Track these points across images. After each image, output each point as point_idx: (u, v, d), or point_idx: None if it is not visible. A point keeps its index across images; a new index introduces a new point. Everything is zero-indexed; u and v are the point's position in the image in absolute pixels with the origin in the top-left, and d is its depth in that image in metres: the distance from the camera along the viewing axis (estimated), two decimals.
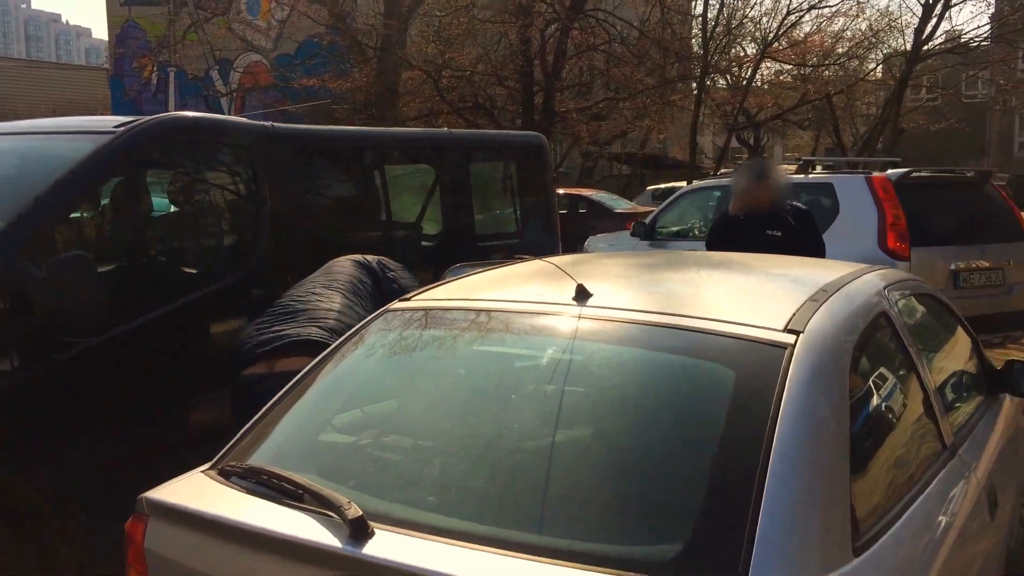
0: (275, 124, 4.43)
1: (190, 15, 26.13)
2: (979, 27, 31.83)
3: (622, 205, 17.30)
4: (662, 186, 20.07)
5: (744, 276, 2.80)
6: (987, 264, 6.79)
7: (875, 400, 2.27)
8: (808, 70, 21.20)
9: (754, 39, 16.56)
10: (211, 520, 1.89)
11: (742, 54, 18.75)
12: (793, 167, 8.27)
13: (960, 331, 3.36)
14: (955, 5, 13.61)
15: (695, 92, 13.94)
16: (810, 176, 7.59)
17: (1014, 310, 6.91)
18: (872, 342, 2.33)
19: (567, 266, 2.67)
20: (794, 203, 5.41)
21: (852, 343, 2.11)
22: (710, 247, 5.66)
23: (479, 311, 2.41)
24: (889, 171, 7.20)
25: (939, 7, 10.60)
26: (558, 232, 6.01)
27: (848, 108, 20.51)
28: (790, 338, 1.98)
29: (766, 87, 31.03)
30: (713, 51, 15.27)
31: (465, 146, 5.43)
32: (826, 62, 19.64)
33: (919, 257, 6.57)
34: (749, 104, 25.76)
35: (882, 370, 2.41)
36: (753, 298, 2.41)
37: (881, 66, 19.61)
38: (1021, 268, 7.00)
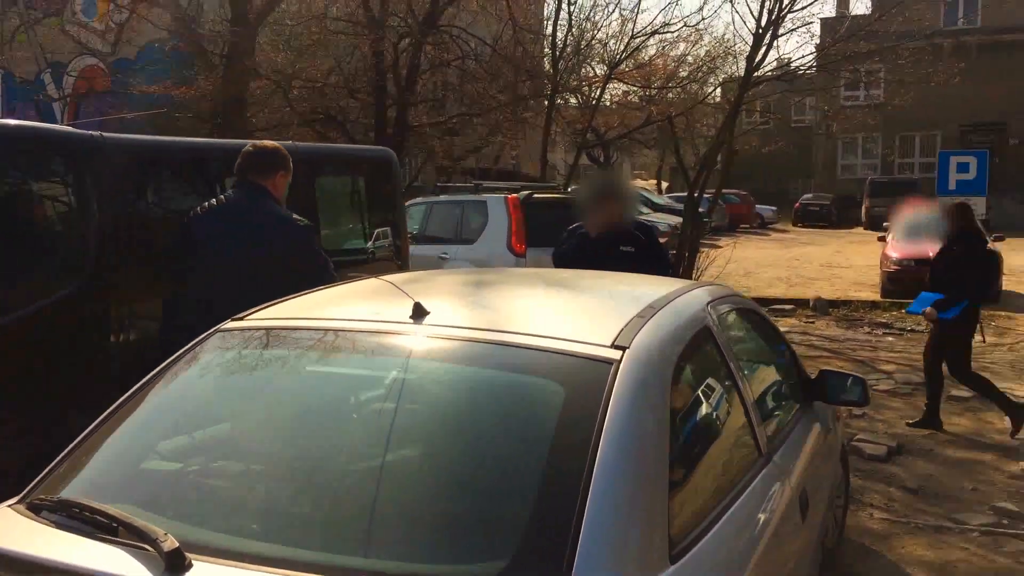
0: (104, 134, 4.20)
1: (19, 15, 24.44)
2: (804, 56, 34.31)
3: None
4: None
5: (578, 293, 2.89)
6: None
7: (696, 411, 2.40)
8: (653, 92, 22.18)
9: (602, 60, 17.12)
10: (16, 558, 1.77)
11: (591, 74, 19.34)
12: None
13: (778, 343, 3.59)
14: (782, 35, 14.61)
15: (546, 110, 14.25)
16: (475, 195, 9.89)
17: None
18: (695, 356, 2.45)
19: (407, 283, 2.68)
20: (637, 219, 5.63)
21: (675, 357, 2.22)
22: (557, 263, 5.77)
23: (315, 330, 2.38)
24: (521, 193, 9.47)
25: (768, 37, 11.31)
26: (407, 247, 6.01)
27: (689, 129, 21.50)
28: (616, 354, 2.06)
29: (614, 107, 32.14)
30: (563, 71, 15.69)
31: (311, 160, 5.32)
32: (669, 85, 20.59)
33: (533, 255, 8.78)
34: (598, 123, 26.61)
35: (704, 382, 2.54)
36: (584, 315, 2.49)
37: (720, 90, 20.80)
38: None
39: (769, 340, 3.58)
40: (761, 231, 34.37)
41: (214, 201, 4.11)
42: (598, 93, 16.15)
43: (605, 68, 15.72)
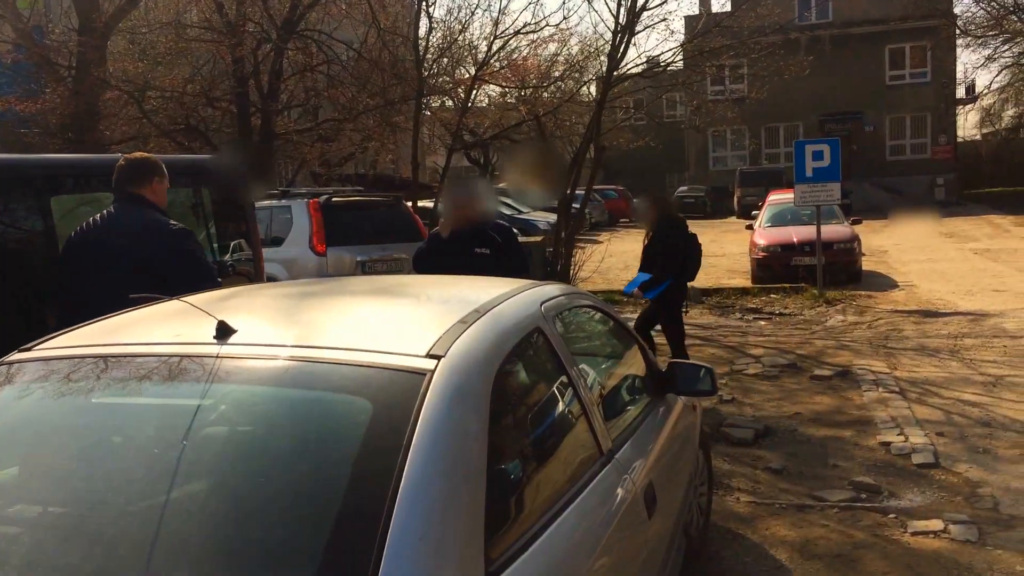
0: None
1: None
2: (666, 52, 35.20)
3: None
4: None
5: (402, 301, 2.75)
6: (387, 256, 9.64)
7: (524, 418, 2.30)
8: (528, 91, 22.30)
9: (472, 61, 17.05)
10: None
11: (463, 76, 19.25)
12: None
13: (623, 337, 3.55)
14: (641, 31, 14.91)
15: (414, 112, 14.04)
16: (282, 200, 10.34)
17: None
18: (523, 359, 2.36)
19: (220, 301, 2.49)
20: (497, 220, 5.53)
21: (497, 363, 2.12)
22: (417, 268, 5.64)
23: (108, 357, 2.16)
24: (322, 197, 10.06)
25: (626, 34, 11.48)
26: (261, 259, 5.75)
27: (563, 128, 21.72)
28: (430, 363, 1.94)
29: (493, 108, 32.18)
30: (430, 73, 15.53)
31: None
32: (543, 84, 20.73)
33: (333, 254, 9.52)
34: (476, 125, 26.57)
35: (534, 386, 2.46)
36: (403, 324, 2.36)
37: (593, 87, 21.11)
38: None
39: (616, 336, 3.54)
40: (640, 225, 35.12)
41: (95, 218, 4.06)
42: (466, 95, 15.97)
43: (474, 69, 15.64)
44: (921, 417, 6.53)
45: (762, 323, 11.31)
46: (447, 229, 5.21)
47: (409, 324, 2.33)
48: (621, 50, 11.35)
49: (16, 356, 2.27)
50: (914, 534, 4.45)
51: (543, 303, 2.66)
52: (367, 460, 1.74)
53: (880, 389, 7.38)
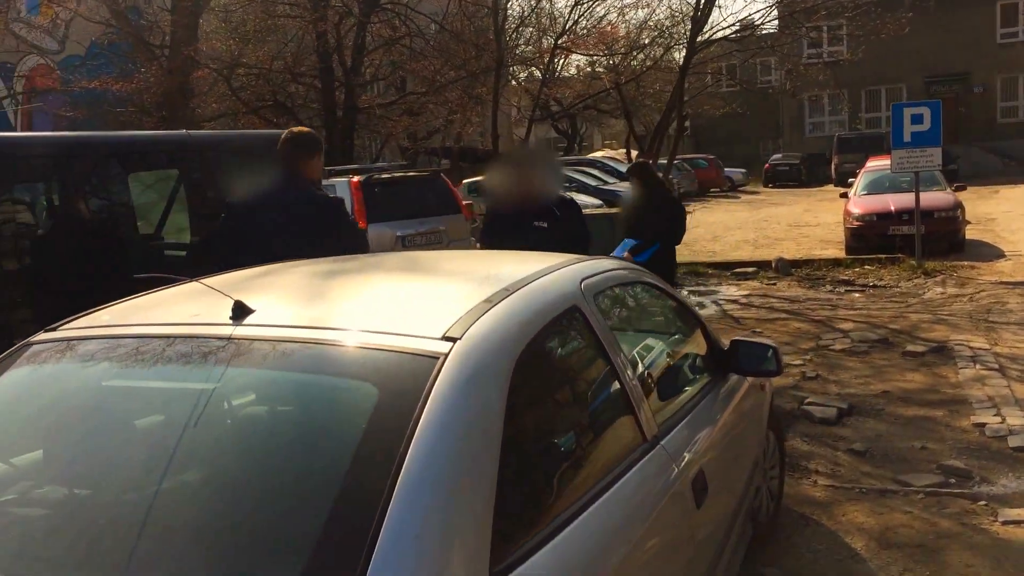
0: None
1: None
2: (755, 12, 33.88)
3: None
4: (479, 178, 20.11)
5: (428, 279, 2.64)
6: (427, 230, 9.84)
7: (549, 405, 2.17)
8: (616, 60, 21.84)
9: (553, 30, 16.78)
10: None
11: (545, 46, 19.00)
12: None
13: (682, 315, 3.37)
14: None
15: (493, 83, 13.91)
16: (330, 179, 10.25)
17: None
18: (554, 341, 2.23)
19: (241, 281, 2.44)
20: (563, 193, 5.41)
21: (522, 345, 1.99)
22: (483, 244, 5.59)
23: (123, 338, 2.13)
24: (363, 176, 10.18)
25: None
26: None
27: (652, 96, 21.29)
28: (445, 346, 1.83)
29: (581, 77, 31.71)
30: (512, 43, 15.37)
31: (208, 147, 5.05)
32: (631, 52, 20.30)
33: (374, 230, 9.24)
34: (561, 94, 26.29)
35: (564, 369, 2.33)
36: (424, 303, 2.25)
37: (680, 54, 20.57)
38: (456, 231, 10.25)
39: (672, 314, 3.36)
40: (731, 194, 34.22)
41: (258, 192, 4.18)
42: (549, 63, 15.75)
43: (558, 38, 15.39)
44: (1021, 397, 6.10)
45: (855, 295, 10.83)
46: (505, 204, 5.16)
47: (431, 304, 2.22)
48: (704, 11, 10.92)
49: (41, 336, 2.27)
50: (1005, 523, 4.15)
51: (584, 280, 2.52)
52: (368, 449, 1.65)
53: (978, 366, 6.94)
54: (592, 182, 24.98)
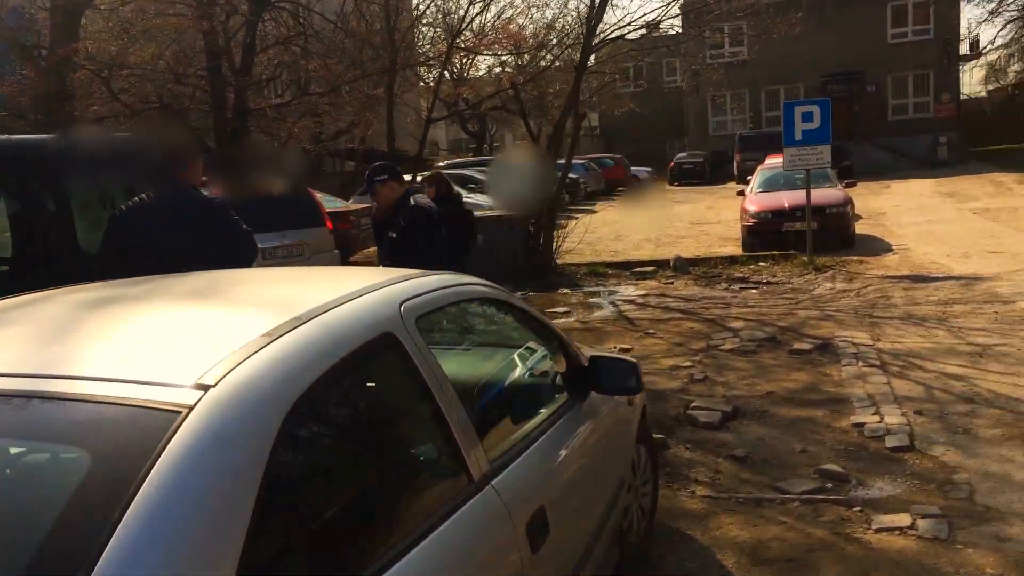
0: None
1: None
2: (651, 11, 34.39)
3: (333, 204, 16.71)
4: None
5: (211, 306, 2.32)
6: (289, 243, 9.61)
7: (339, 456, 1.92)
8: (525, 59, 21.71)
9: (449, 31, 16.52)
10: None
11: (444, 47, 18.70)
12: None
13: (535, 331, 3.16)
14: None
15: (386, 84, 13.54)
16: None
17: None
18: (350, 378, 1.98)
19: None
20: (417, 202, 5.18)
21: (302, 388, 1.72)
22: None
23: None
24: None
25: None
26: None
27: (553, 96, 21.20)
28: (193, 396, 1.55)
29: (490, 78, 31.48)
30: (414, 42, 15.05)
31: (30, 153, 4.65)
32: (536, 51, 20.19)
33: None
34: (471, 95, 26.02)
35: (365, 410, 2.08)
36: (189, 340, 1.91)
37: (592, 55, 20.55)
38: (319, 244, 10.06)
39: (521, 331, 3.15)
40: (638, 192, 34.56)
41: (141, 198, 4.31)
42: (446, 63, 15.46)
43: (450, 38, 15.11)
44: (900, 393, 6.14)
45: (749, 292, 10.91)
46: (377, 213, 4.99)
47: (196, 341, 1.91)
48: (598, 12, 10.84)
49: None
50: (878, 531, 4.09)
51: (405, 301, 2.27)
52: (58, 545, 1.34)
53: (860, 363, 6.99)
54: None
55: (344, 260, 16.07)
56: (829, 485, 4.70)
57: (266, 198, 9.49)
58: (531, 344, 3.15)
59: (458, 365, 2.71)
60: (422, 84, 28.69)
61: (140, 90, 14.91)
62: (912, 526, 4.08)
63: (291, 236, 9.49)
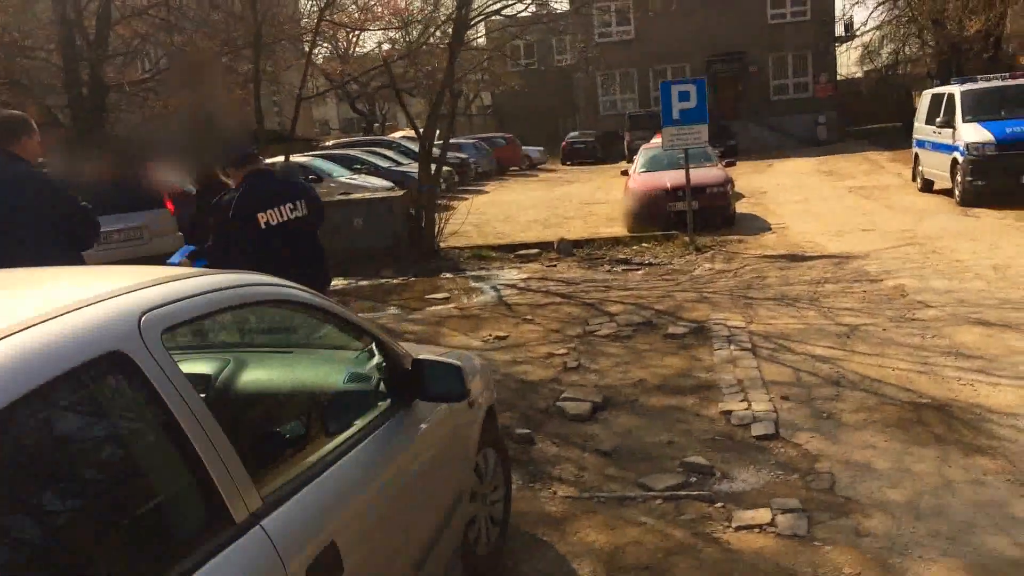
0: None
1: None
2: None
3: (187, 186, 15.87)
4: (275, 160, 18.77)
5: None
6: (124, 227, 9.43)
7: (25, 510, 1.53)
8: (412, 34, 21.17)
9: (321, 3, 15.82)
10: None
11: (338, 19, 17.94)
12: None
13: (345, 335, 2.80)
14: None
15: (254, 60, 12.83)
16: None
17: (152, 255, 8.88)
18: (48, 412, 1.59)
19: None
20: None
21: None
22: None
23: None
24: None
25: None
26: None
27: (433, 76, 20.79)
28: None
29: (378, 54, 30.67)
30: (283, 17, 14.34)
31: None
32: (412, 26, 19.70)
33: None
34: (356, 71, 25.27)
35: (72, 453, 1.69)
36: None
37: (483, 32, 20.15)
38: (160, 227, 9.85)
39: (326, 335, 2.80)
40: (530, 172, 34.47)
41: None
42: (314, 39, 14.80)
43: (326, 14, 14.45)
44: (769, 378, 6.06)
45: (631, 274, 10.80)
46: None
47: None
48: None
49: None
50: (738, 529, 3.92)
51: (148, 312, 1.87)
52: None
53: (732, 347, 6.91)
54: (384, 163, 24.26)
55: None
56: (693, 479, 4.53)
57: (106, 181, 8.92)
58: (338, 350, 2.79)
59: (235, 382, 2.34)
60: (317, 61, 27.75)
61: None
62: (772, 523, 3.93)
63: (128, 219, 9.05)
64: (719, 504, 4.19)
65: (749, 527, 3.92)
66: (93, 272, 2.35)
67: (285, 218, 4.99)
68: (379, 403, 2.77)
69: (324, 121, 64.07)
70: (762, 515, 4.01)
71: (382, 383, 2.85)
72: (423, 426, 2.90)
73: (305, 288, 2.57)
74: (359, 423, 2.61)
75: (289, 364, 2.75)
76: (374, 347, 2.83)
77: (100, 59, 13.43)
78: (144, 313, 1.86)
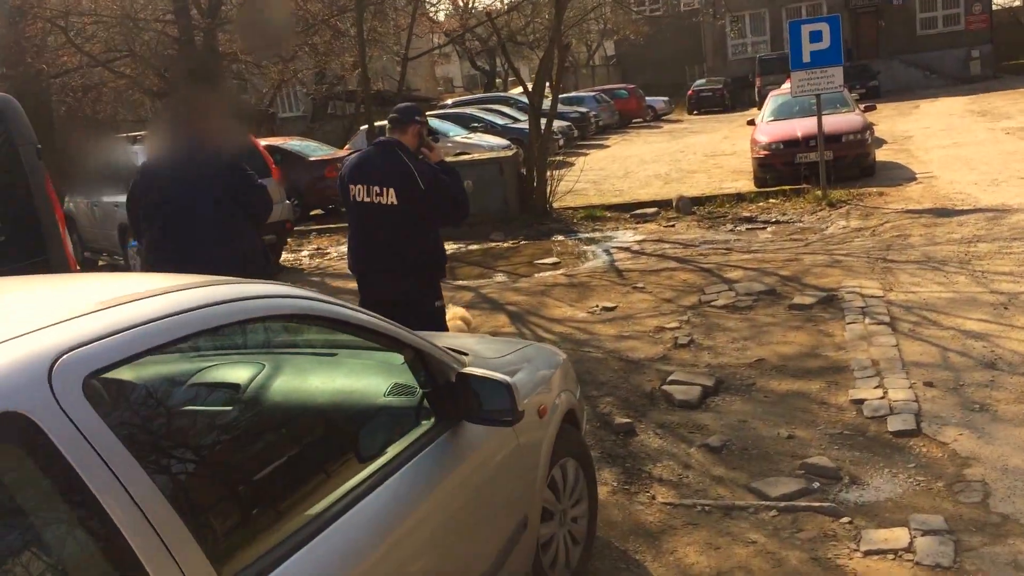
0: None
1: None
2: None
3: (318, 152, 15.89)
4: (380, 123, 18.67)
5: None
6: None
7: None
8: None
9: None
10: None
11: None
12: None
13: (380, 347, 2.36)
14: None
15: (357, 19, 12.52)
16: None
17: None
18: None
19: None
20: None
21: None
22: None
23: None
24: None
25: None
26: (56, 223, 4.60)
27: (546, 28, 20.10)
28: None
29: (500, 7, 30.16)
30: None
31: None
32: None
33: None
34: (483, 30, 24.85)
35: None
36: None
37: None
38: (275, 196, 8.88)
39: (346, 354, 2.36)
40: (654, 124, 33.23)
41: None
42: None
43: None
44: (910, 359, 5.29)
45: (757, 234, 10.00)
46: None
47: None
48: None
49: None
50: (867, 554, 3.30)
51: (64, 355, 1.46)
52: None
53: (867, 320, 6.13)
54: (501, 121, 23.77)
55: (332, 212, 15.33)
56: (815, 485, 3.91)
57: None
58: (362, 371, 2.36)
59: (211, 427, 1.95)
60: (429, 20, 27.52)
61: (104, 39, 14.06)
62: (909, 547, 3.29)
63: None
64: (845, 520, 3.57)
65: (881, 552, 3.29)
66: (16, 290, 1.97)
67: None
68: (422, 424, 2.35)
69: (448, 79, 64.12)
70: (898, 536, 3.37)
71: (425, 400, 2.42)
72: (475, 448, 2.45)
73: (326, 297, 2.14)
74: (391, 453, 2.19)
75: (289, 395, 2.34)
76: (414, 359, 2.39)
77: (214, 28, 13.48)
78: (60, 357, 1.46)
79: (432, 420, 2.41)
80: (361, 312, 2.26)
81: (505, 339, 3.99)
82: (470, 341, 3.41)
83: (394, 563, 2.03)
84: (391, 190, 4.45)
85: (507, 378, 2.31)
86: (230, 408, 2.29)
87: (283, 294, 2.08)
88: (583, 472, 3.31)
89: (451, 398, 2.39)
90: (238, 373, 2.34)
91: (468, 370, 2.39)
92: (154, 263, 4.17)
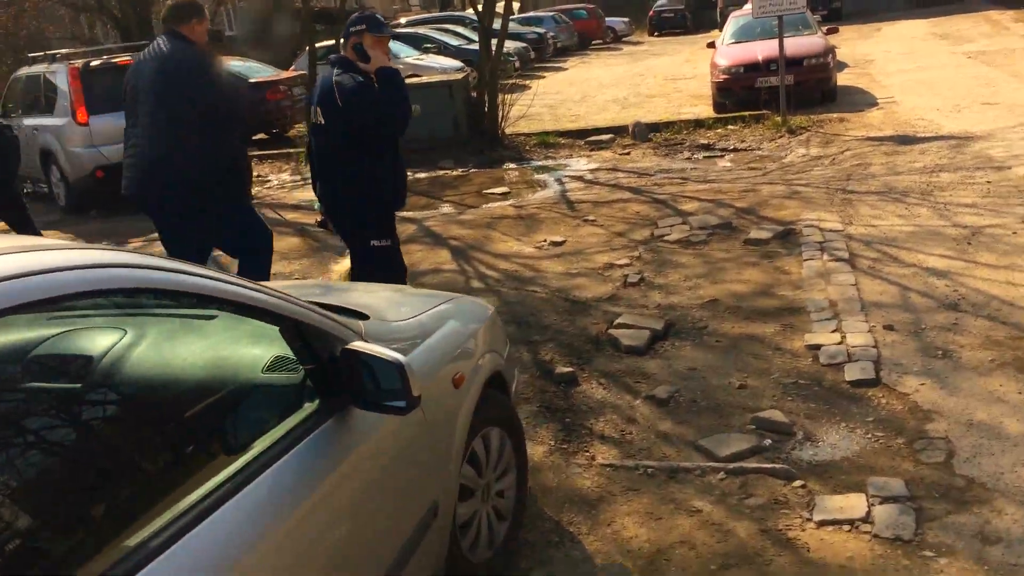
0: None
1: None
2: None
3: (260, 73, 15.08)
4: (325, 44, 17.73)
5: None
6: None
7: None
8: None
9: None
10: None
11: None
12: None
13: (249, 318, 1.95)
14: None
15: None
16: (51, 65, 10.37)
17: None
18: None
19: None
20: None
21: None
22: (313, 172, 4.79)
23: None
24: (80, 62, 9.86)
25: None
26: None
27: None
28: None
29: None
30: None
31: None
32: None
33: (96, 122, 9.56)
34: None
35: None
36: None
37: None
38: None
39: (204, 330, 1.95)
40: (614, 46, 32.40)
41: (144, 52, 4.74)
42: None
43: None
44: (869, 299, 5.01)
45: (719, 162, 9.63)
46: None
47: None
48: None
49: None
50: (821, 524, 3.02)
51: None
52: None
53: (825, 256, 5.82)
54: (455, 41, 22.92)
55: (276, 138, 14.59)
56: (767, 442, 3.62)
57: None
58: (226, 351, 1.95)
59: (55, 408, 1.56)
60: None
61: None
62: (867, 517, 3.01)
63: None
64: (798, 483, 3.28)
65: (837, 522, 3.01)
66: None
67: None
68: (305, 406, 1.96)
69: None
70: (854, 504, 3.09)
71: (310, 377, 2.03)
72: (363, 437, 2.07)
73: (172, 263, 1.73)
74: (266, 441, 1.82)
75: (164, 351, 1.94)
76: (288, 329, 1.98)
77: None
78: None
79: (316, 402, 2.02)
80: (216, 278, 1.84)
81: (426, 293, 3.58)
82: (381, 297, 3.01)
83: (268, 572, 1.67)
84: (318, 108, 4.34)
85: (399, 357, 1.92)
86: (78, 385, 1.90)
87: (114, 263, 1.65)
88: (510, 440, 2.97)
89: (336, 378, 2.00)
90: (94, 342, 1.94)
91: (354, 345, 1.99)
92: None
